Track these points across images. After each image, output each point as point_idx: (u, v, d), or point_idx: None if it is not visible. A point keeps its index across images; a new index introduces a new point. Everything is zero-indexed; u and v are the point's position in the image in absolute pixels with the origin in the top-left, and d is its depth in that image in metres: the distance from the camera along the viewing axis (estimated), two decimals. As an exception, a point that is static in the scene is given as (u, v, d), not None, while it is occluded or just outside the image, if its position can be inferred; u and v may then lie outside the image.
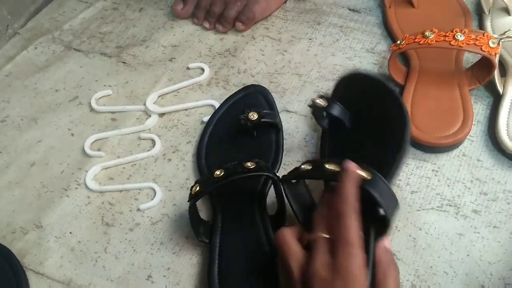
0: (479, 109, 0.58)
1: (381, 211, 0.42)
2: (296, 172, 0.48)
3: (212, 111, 0.63)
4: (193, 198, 0.50)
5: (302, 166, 0.47)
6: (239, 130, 0.58)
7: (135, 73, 0.69)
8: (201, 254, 0.53)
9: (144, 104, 0.65)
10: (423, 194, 0.53)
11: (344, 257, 0.38)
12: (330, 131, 0.55)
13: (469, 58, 0.61)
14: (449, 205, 0.52)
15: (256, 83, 0.64)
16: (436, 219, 0.51)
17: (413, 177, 0.54)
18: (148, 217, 0.56)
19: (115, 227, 0.56)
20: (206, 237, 0.52)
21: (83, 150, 0.62)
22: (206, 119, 0.62)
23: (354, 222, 0.39)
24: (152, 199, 0.57)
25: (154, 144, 0.62)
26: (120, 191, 0.59)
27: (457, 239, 0.50)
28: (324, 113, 0.53)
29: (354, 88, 0.54)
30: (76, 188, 0.59)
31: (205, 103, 0.65)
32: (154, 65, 0.70)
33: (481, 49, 0.53)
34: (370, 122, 0.51)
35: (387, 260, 0.42)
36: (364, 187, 0.41)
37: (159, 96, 0.66)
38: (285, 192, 0.49)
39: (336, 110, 0.52)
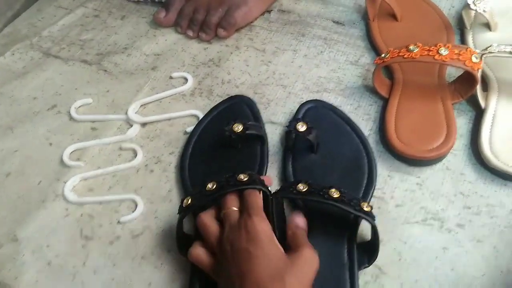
0: (461, 123, 0.59)
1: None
2: (291, 193, 0.47)
3: (195, 121, 0.62)
4: (184, 211, 0.49)
5: (299, 186, 0.47)
6: (223, 142, 0.57)
7: (116, 82, 0.68)
8: (184, 269, 0.52)
9: (126, 114, 0.64)
10: (408, 207, 0.53)
11: (250, 219, 0.44)
12: (296, 152, 0.57)
13: (452, 73, 0.62)
14: (434, 219, 0.52)
15: (241, 94, 0.63)
16: (421, 233, 0.51)
17: (398, 190, 0.54)
18: (129, 230, 0.55)
19: (95, 240, 0.54)
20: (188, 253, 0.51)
21: (62, 161, 0.60)
22: (189, 129, 0.61)
23: (258, 197, 0.46)
24: (133, 211, 0.56)
25: (136, 155, 0.60)
26: (100, 203, 0.57)
27: (442, 253, 0.50)
28: (293, 135, 0.54)
29: (317, 115, 0.59)
30: (54, 199, 0.57)
31: (189, 113, 0.64)
32: (136, 73, 0.69)
33: (464, 64, 0.54)
34: (334, 154, 0.56)
35: (299, 235, 0.46)
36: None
37: (141, 106, 0.65)
38: (271, 208, 0.48)
39: (313, 136, 0.54)
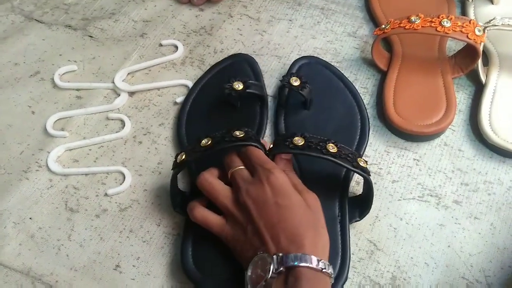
0: (461, 98, 0.57)
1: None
2: (287, 148, 0.46)
3: (186, 91, 0.60)
4: (178, 166, 0.47)
5: (295, 140, 0.46)
6: (223, 100, 0.55)
7: (103, 48, 0.65)
8: (173, 243, 0.50)
9: (113, 82, 0.61)
10: (404, 183, 0.52)
11: (264, 172, 0.44)
12: (288, 108, 0.56)
13: (451, 46, 0.60)
14: (430, 195, 0.51)
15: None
16: (417, 209, 0.50)
17: (394, 165, 0.53)
18: (116, 203, 0.53)
19: (80, 213, 0.52)
20: (182, 209, 0.49)
21: (45, 130, 0.57)
22: (179, 99, 0.59)
23: (263, 153, 0.46)
24: (121, 184, 0.54)
25: (124, 125, 0.58)
26: (86, 174, 0.55)
27: (438, 230, 0.49)
28: (287, 90, 0.55)
29: (311, 71, 0.58)
30: (37, 170, 0.55)
31: (178, 83, 0.61)
32: (123, 40, 0.65)
33: (467, 36, 0.52)
34: (327, 111, 0.56)
35: (295, 181, 0.46)
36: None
37: (128, 74, 0.62)
38: None
39: (306, 92, 0.53)
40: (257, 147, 0.47)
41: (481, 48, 0.53)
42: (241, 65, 0.60)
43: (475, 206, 0.50)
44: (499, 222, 0.49)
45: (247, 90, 0.54)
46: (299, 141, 0.46)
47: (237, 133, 0.47)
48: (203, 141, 0.47)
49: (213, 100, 0.57)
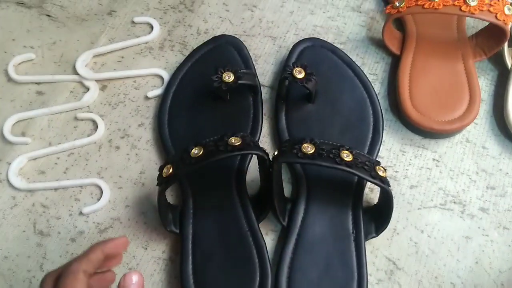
0: (482, 85, 0.50)
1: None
2: (296, 157, 0.39)
3: (160, 83, 0.51)
4: (165, 182, 0.40)
5: (304, 147, 0.39)
6: (209, 92, 0.47)
7: (64, 31, 0.55)
8: (165, 269, 0.43)
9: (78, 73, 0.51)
10: (424, 189, 0.46)
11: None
12: (289, 102, 0.49)
13: (469, 22, 0.53)
14: (454, 202, 0.45)
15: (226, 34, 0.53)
16: (440, 219, 0.45)
17: (412, 168, 0.47)
18: (94, 222, 0.45)
19: (52, 237, 0.45)
20: (175, 226, 0.43)
21: (2, 135, 0.49)
22: (152, 94, 0.50)
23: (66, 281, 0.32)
24: (98, 200, 0.46)
25: (96, 127, 0.49)
26: (56, 189, 0.47)
27: (464, 244, 0.44)
28: (287, 82, 0.47)
29: (314, 57, 0.50)
30: (-3, 187, 0.47)
31: (151, 72, 0.52)
32: (88, 20, 0.55)
33: (495, 17, 0.45)
34: (334, 104, 0.48)
35: None
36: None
37: (96, 62, 0.53)
38: (271, 173, 0.41)
39: (312, 85, 0.46)
40: (258, 155, 0.40)
41: (509, 29, 0.46)
42: (225, 49, 0.51)
43: (504, 214, 0.45)
44: (531, 231, 0.44)
45: (239, 82, 0.46)
46: (308, 148, 0.39)
47: (233, 140, 0.40)
48: (193, 151, 0.40)
49: (198, 92, 0.49)
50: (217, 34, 0.54)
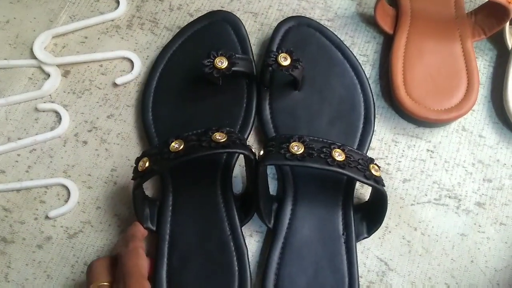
0: (480, 66, 0.47)
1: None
2: (283, 158, 0.36)
3: (140, 65, 0.46)
4: (140, 177, 0.37)
5: (292, 146, 0.36)
6: (199, 76, 0.43)
7: (19, 7, 0.49)
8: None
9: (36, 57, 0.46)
10: (417, 182, 0.43)
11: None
12: (273, 89, 0.45)
13: (467, -3, 0.49)
14: (449, 197, 0.43)
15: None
16: (434, 216, 0.42)
17: (405, 160, 0.44)
18: (62, 227, 0.42)
19: (17, 244, 0.41)
20: (152, 223, 0.40)
21: (-46, 131, 0.44)
22: (120, 80, 0.45)
23: (132, 259, 0.36)
24: (65, 202, 0.42)
25: (60, 119, 0.45)
26: (18, 190, 0.43)
27: (459, 241, 0.41)
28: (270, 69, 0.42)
29: (300, 39, 0.45)
30: (-50, 191, 0.42)
31: (119, 55, 0.47)
32: (46, -6, 0.49)
33: (499, -6, 0.41)
34: (322, 91, 0.44)
35: None
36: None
37: (53, 37, 0.48)
38: (256, 173, 0.37)
39: (298, 72, 0.42)
40: (244, 154, 0.37)
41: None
42: (221, 27, 0.46)
43: (500, 209, 0.42)
44: (528, 227, 0.42)
45: (233, 69, 0.41)
46: (297, 148, 0.36)
47: (218, 135, 0.36)
48: (173, 145, 0.36)
49: (187, 75, 0.45)
50: (192, 10, 0.48)
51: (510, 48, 0.46)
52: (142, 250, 0.37)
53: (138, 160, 0.37)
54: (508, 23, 0.46)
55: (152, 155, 0.37)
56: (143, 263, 0.36)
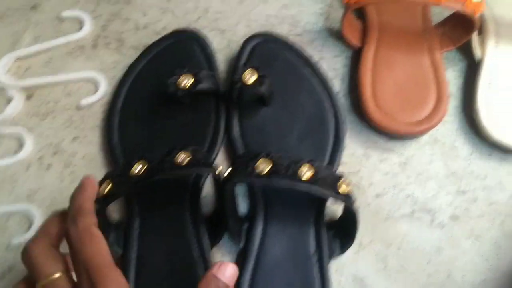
0: (450, 77, 0.46)
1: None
2: (250, 176, 0.34)
3: (105, 86, 0.45)
4: (101, 202, 0.35)
5: (259, 163, 0.34)
6: (167, 95, 0.42)
7: (-20, 30, 0.48)
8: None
9: (-1, 80, 0.45)
10: (390, 197, 0.42)
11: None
12: (242, 106, 0.44)
13: (434, 9, 0.49)
14: (423, 210, 0.42)
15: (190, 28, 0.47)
16: (408, 230, 0.41)
17: (377, 174, 0.43)
18: (25, 255, 0.40)
19: (-22, 275, 0.39)
20: (119, 246, 0.39)
21: None
22: (85, 102, 0.44)
23: (88, 245, 0.28)
24: (29, 229, 0.41)
25: (23, 143, 0.43)
26: (-22, 218, 0.41)
27: (435, 256, 0.40)
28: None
29: (267, 55, 0.45)
30: None
31: (84, 77, 0.46)
32: (9, 15, 0.49)
33: (463, 5, 0.41)
34: (291, 107, 0.44)
35: None
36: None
37: (16, 60, 0.47)
38: (223, 192, 0.36)
39: (265, 88, 0.41)
40: (209, 172, 0.36)
41: (478, 19, 0.42)
42: (187, 45, 0.46)
43: (475, 221, 0.42)
44: (504, 239, 0.41)
45: (199, 86, 0.41)
46: (263, 165, 0.35)
47: (182, 155, 0.35)
48: (135, 167, 0.35)
49: (153, 94, 0.44)
50: (159, 29, 0.48)
51: (479, 57, 0.45)
52: (95, 228, 0.29)
53: (101, 183, 0.36)
54: (476, 33, 0.46)
55: (115, 177, 0.36)
56: (102, 247, 0.29)
